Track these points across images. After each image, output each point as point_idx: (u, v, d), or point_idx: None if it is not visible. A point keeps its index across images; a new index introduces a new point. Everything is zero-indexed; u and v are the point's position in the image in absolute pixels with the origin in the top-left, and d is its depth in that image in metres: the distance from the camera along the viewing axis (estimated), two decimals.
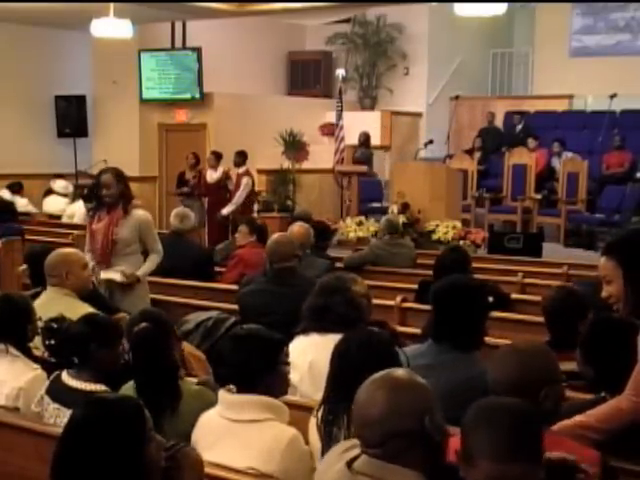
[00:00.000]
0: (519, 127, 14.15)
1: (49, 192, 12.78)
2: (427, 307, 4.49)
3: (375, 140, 13.88)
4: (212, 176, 11.57)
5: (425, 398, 2.13)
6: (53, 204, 12.53)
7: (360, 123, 13.61)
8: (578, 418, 2.78)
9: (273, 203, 12.13)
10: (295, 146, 12.99)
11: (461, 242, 9.20)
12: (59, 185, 12.87)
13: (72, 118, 13.67)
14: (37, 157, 13.29)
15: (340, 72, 13.77)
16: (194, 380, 3.40)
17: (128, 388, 3.16)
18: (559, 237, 11.85)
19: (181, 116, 13.74)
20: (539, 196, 12.33)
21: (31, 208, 12.20)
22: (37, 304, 4.11)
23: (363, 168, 12.09)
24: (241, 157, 11.38)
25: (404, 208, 9.78)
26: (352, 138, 13.07)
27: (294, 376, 3.58)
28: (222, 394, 2.89)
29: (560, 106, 15.10)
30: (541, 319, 4.19)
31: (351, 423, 2.58)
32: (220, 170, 11.58)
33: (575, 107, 15.29)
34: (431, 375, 3.09)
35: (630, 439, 2.75)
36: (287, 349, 3.05)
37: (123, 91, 13.58)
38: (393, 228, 7.60)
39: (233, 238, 7.81)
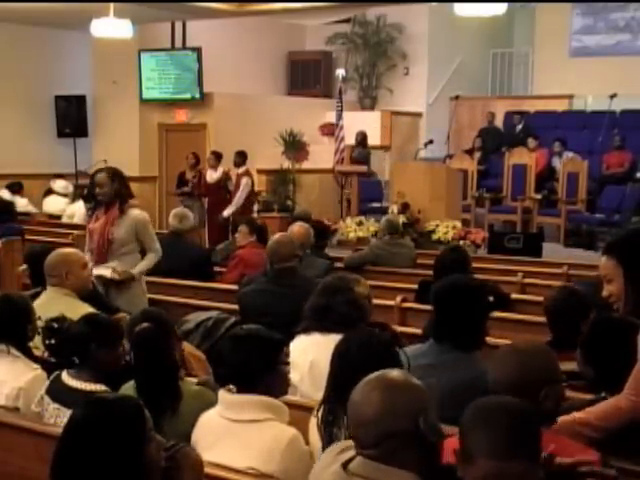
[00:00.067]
0: (519, 127, 14.15)
1: (49, 192, 12.78)
2: (427, 307, 4.49)
3: (375, 140, 13.88)
4: (212, 176, 11.57)
5: (420, 399, 2.13)
6: (53, 204, 12.54)
7: (360, 123, 13.60)
8: (577, 415, 2.79)
9: (273, 203, 12.14)
10: (295, 146, 13.00)
11: (461, 242, 9.20)
12: (59, 185, 12.87)
13: (72, 118, 13.67)
14: (37, 157, 13.30)
15: (340, 72, 13.78)
16: (194, 380, 3.40)
17: (128, 388, 3.16)
18: (559, 237, 11.85)
19: (181, 116, 13.74)
20: (539, 196, 12.33)
21: (31, 208, 12.20)
22: (37, 304, 4.11)
23: (363, 168, 12.09)
24: (241, 157, 11.38)
25: (404, 208, 9.78)
26: (352, 138, 13.06)
27: (295, 375, 3.59)
28: (222, 394, 2.89)
29: (560, 106, 15.10)
30: (541, 319, 4.19)
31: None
32: (220, 170, 11.58)
33: (575, 107, 15.29)
34: (432, 375, 3.11)
35: (630, 439, 2.75)
36: (287, 349, 3.05)
37: (123, 91, 13.58)
38: (393, 228, 7.60)
39: (233, 238, 7.81)
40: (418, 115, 15.30)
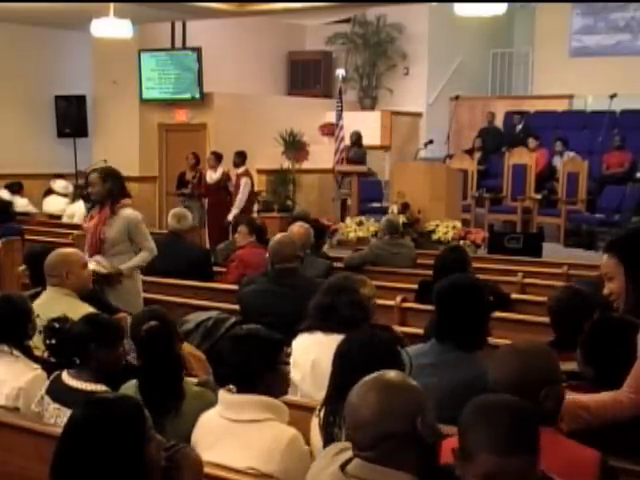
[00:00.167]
0: (519, 127, 14.15)
1: (49, 192, 12.78)
2: (427, 307, 4.50)
3: (375, 140, 13.88)
4: (212, 177, 11.56)
5: (417, 400, 2.13)
6: (53, 204, 12.53)
7: (360, 123, 13.59)
8: (578, 397, 2.80)
9: (273, 203, 12.14)
10: (295, 146, 13.00)
11: (461, 242, 9.19)
12: (59, 185, 12.87)
13: (72, 118, 13.67)
14: (37, 157, 13.30)
15: (340, 72, 13.76)
16: (194, 380, 3.40)
17: (128, 388, 3.15)
18: (559, 237, 11.85)
19: (181, 116, 13.74)
20: (539, 196, 12.33)
21: (31, 208, 12.20)
22: (37, 304, 4.11)
23: (363, 168, 12.08)
24: (240, 157, 11.37)
25: (404, 208, 9.78)
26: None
27: (296, 374, 3.59)
28: (222, 394, 2.88)
29: (560, 106, 15.10)
30: (541, 319, 4.19)
31: None
32: (220, 171, 11.56)
33: (575, 107, 15.29)
34: (434, 374, 3.11)
35: (630, 438, 2.76)
36: (287, 349, 3.05)
37: (123, 91, 13.58)
38: (393, 228, 7.60)
39: (233, 238, 7.80)
40: (418, 115, 15.30)
